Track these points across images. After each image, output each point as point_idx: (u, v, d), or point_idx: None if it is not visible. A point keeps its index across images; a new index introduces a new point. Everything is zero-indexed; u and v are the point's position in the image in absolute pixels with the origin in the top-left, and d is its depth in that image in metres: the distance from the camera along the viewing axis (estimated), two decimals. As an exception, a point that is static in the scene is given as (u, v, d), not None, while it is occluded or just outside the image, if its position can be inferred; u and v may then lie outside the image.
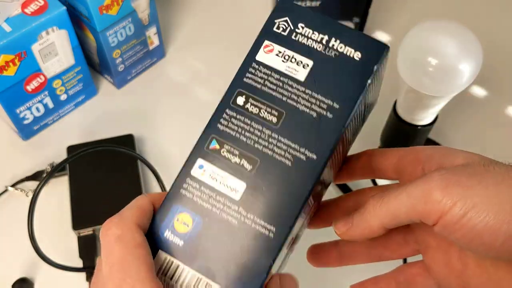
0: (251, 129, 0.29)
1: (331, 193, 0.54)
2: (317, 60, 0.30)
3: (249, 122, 0.29)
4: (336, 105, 0.29)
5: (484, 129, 0.58)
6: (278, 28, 0.31)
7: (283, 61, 0.30)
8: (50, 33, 0.49)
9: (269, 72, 0.30)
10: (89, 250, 0.48)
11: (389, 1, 0.69)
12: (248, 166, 0.29)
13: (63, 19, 0.49)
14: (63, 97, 0.56)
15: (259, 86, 0.30)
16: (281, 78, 0.30)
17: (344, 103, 0.29)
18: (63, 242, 0.50)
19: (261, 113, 0.29)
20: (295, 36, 0.30)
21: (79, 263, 0.48)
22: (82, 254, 0.48)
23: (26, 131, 0.56)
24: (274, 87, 0.30)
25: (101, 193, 0.49)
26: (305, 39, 0.30)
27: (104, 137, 0.53)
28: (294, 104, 0.29)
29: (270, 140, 0.29)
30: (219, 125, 0.30)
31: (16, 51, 0.47)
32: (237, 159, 0.29)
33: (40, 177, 0.53)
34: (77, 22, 0.54)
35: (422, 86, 0.41)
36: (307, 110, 0.29)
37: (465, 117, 0.59)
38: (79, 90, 0.57)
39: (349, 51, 0.29)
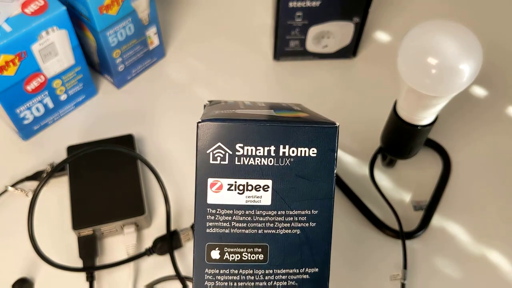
0: (242, 277, 0.27)
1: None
2: (274, 175, 0.26)
3: (236, 271, 0.27)
4: (314, 211, 0.27)
5: (484, 129, 0.58)
6: (215, 159, 0.26)
7: (239, 193, 0.27)
8: (50, 33, 0.49)
9: (231, 211, 0.27)
10: (89, 250, 0.48)
11: (389, 1, 0.69)
12: None
13: (63, 19, 0.49)
14: (63, 97, 0.56)
15: (227, 230, 0.27)
16: (247, 212, 0.27)
17: (321, 205, 0.27)
18: (63, 242, 0.50)
19: (243, 257, 0.27)
20: (239, 160, 0.26)
21: (79, 263, 0.48)
22: (82, 254, 0.48)
23: (26, 131, 0.56)
24: (244, 225, 0.27)
25: (101, 193, 0.49)
26: (251, 159, 0.26)
27: (104, 137, 0.53)
28: (273, 231, 0.27)
29: (267, 277, 0.27)
30: None
31: (16, 51, 0.47)
32: None
33: (40, 177, 0.53)
34: (77, 22, 0.54)
35: (422, 86, 0.41)
36: (289, 231, 0.27)
37: (465, 117, 0.59)
38: (79, 90, 0.58)
39: (302, 151, 0.27)
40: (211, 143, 0.26)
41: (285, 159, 0.26)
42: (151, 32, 0.59)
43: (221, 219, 0.27)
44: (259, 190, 0.26)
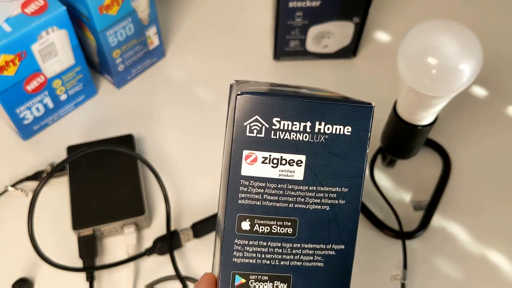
0: (270, 250, 0.27)
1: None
2: (308, 151, 0.27)
3: (264, 243, 0.27)
4: (345, 189, 0.27)
5: (484, 129, 0.58)
6: (251, 131, 0.27)
7: (273, 166, 0.27)
8: (50, 33, 0.49)
9: (263, 184, 0.27)
10: (89, 250, 0.48)
11: (389, 1, 0.69)
12: (283, 286, 0.27)
13: (63, 19, 0.49)
14: (63, 97, 0.56)
15: (258, 202, 0.27)
16: (279, 185, 0.27)
17: (352, 183, 0.27)
18: (63, 242, 0.50)
19: (273, 229, 0.27)
20: (275, 134, 0.27)
21: (79, 263, 0.48)
22: (82, 254, 0.48)
23: (26, 131, 0.56)
24: (276, 198, 0.27)
25: (101, 193, 0.49)
26: (287, 133, 0.27)
27: (104, 137, 0.53)
28: (303, 206, 0.27)
29: (294, 251, 0.27)
30: (234, 259, 0.27)
31: (16, 51, 0.47)
32: (269, 284, 0.27)
33: (40, 177, 0.53)
34: (77, 22, 0.54)
35: (422, 86, 0.41)
36: (319, 207, 0.27)
37: (465, 117, 0.59)
38: (79, 90, 0.58)
39: (337, 129, 0.27)
40: (249, 115, 0.26)
41: (320, 136, 0.27)
42: (151, 32, 0.59)
43: (254, 191, 0.27)
44: (293, 165, 0.27)
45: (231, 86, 0.30)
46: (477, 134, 0.58)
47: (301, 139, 0.27)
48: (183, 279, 0.48)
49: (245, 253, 0.27)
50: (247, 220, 0.27)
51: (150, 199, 0.53)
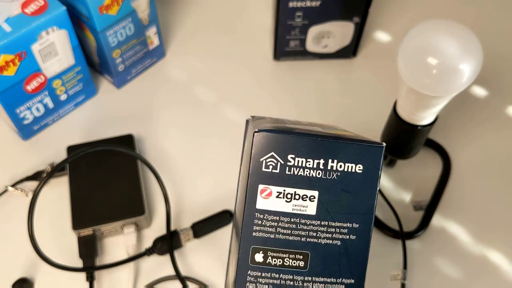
0: (282, 282, 0.28)
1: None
2: (321, 187, 0.28)
3: (277, 275, 0.28)
4: (355, 225, 0.28)
5: (484, 129, 0.58)
6: (267, 167, 0.28)
7: (286, 201, 0.28)
8: (50, 33, 0.49)
9: (277, 218, 0.28)
10: (89, 250, 0.48)
11: (389, 1, 0.69)
12: None
13: (63, 19, 0.49)
14: (63, 97, 0.56)
15: (272, 236, 0.28)
16: (292, 219, 0.28)
17: (363, 219, 0.28)
18: (63, 242, 0.50)
19: (285, 262, 0.28)
20: (289, 170, 0.28)
21: (79, 263, 0.48)
22: (82, 254, 0.48)
23: (26, 131, 0.56)
24: (289, 231, 0.28)
25: (101, 193, 0.49)
26: (301, 170, 0.28)
27: (104, 137, 0.53)
28: (315, 240, 0.28)
29: (305, 284, 0.28)
30: None
31: (16, 51, 0.47)
32: None
33: (40, 177, 0.53)
34: (77, 22, 0.54)
35: (422, 86, 0.41)
36: (330, 241, 0.28)
37: (465, 117, 0.59)
38: (79, 90, 0.58)
39: (349, 167, 0.28)
40: (265, 151, 0.28)
41: (332, 173, 0.28)
42: (151, 32, 0.59)
43: (268, 224, 0.28)
44: (306, 200, 0.28)
45: (247, 121, 0.31)
46: (477, 134, 0.58)
47: (314, 175, 0.28)
48: (183, 279, 0.48)
49: (258, 284, 0.28)
50: (261, 252, 0.28)
51: (150, 199, 0.53)
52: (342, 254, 0.28)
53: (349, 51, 0.62)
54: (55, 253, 0.48)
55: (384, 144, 0.28)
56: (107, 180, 0.50)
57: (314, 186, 0.28)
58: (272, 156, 0.28)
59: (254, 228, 0.28)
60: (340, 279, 0.28)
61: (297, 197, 0.28)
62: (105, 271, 0.49)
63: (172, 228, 0.51)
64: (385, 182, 0.55)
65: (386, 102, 0.52)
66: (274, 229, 0.28)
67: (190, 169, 0.55)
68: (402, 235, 0.49)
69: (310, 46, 0.61)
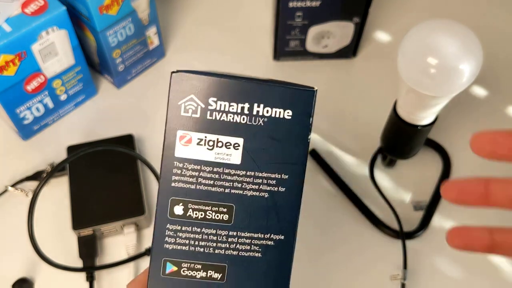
0: (204, 237, 0.26)
1: (332, 194, 0.54)
2: (246, 134, 0.26)
3: (198, 230, 0.26)
4: (285, 176, 0.26)
5: (484, 129, 0.58)
6: (186, 111, 0.25)
7: (208, 149, 0.26)
8: (50, 33, 0.49)
9: (198, 167, 0.26)
10: (89, 250, 0.48)
11: (389, 1, 0.69)
12: (217, 276, 0.26)
13: (63, 19, 0.49)
14: (63, 97, 0.56)
15: (193, 186, 0.26)
16: (215, 169, 0.26)
17: (292, 170, 0.26)
18: (63, 242, 0.50)
19: (207, 215, 0.26)
20: (211, 115, 0.25)
21: (79, 263, 0.48)
22: (82, 254, 0.48)
23: (26, 131, 0.56)
24: (211, 182, 0.26)
25: (101, 193, 0.49)
26: (224, 115, 0.25)
27: (104, 137, 0.53)
28: (240, 192, 0.26)
29: (230, 239, 0.26)
30: (166, 245, 0.26)
31: (16, 51, 0.47)
32: (202, 273, 0.26)
33: (40, 177, 0.53)
34: (77, 22, 0.54)
35: (422, 86, 0.41)
36: (257, 193, 0.26)
37: (465, 117, 0.59)
38: (79, 90, 0.57)
39: (277, 112, 0.26)
40: (184, 94, 0.26)
41: (258, 118, 0.26)
42: (151, 32, 0.59)
43: (188, 174, 0.26)
44: (229, 148, 0.26)
45: (171, 73, 0.28)
46: (477, 134, 0.58)
47: (238, 121, 0.26)
48: (183, 279, 0.48)
49: (177, 239, 0.26)
50: (180, 204, 0.26)
51: (150, 199, 0.53)
52: (270, 207, 0.26)
53: (349, 51, 0.62)
54: (55, 253, 0.48)
55: (316, 88, 0.27)
56: (107, 180, 0.50)
57: (239, 133, 0.26)
58: (191, 99, 0.26)
59: (173, 178, 0.26)
60: (268, 234, 0.26)
61: (220, 144, 0.26)
62: (105, 271, 0.49)
63: (172, 228, 0.51)
64: (385, 182, 0.55)
65: (386, 102, 0.52)
66: (195, 179, 0.26)
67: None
68: (402, 235, 0.49)
69: (310, 46, 0.61)
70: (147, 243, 0.50)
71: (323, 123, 0.58)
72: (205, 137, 0.26)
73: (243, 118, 0.26)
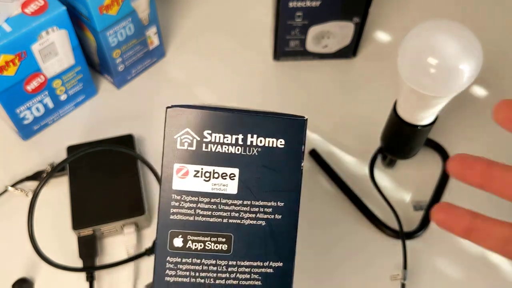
0: (204, 268, 0.26)
1: (332, 194, 0.54)
2: (241, 164, 0.26)
3: (198, 261, 0.26)
4: (280, 203, 0.26)
5: (484, 129, 0.58)
6: (182, 144, 0.26)
7: (205, 180, 0.26)
8: (50, 33, 0.49)
9: (196, 198, 0.26)
10: (89, 250, 0.48)
11: (389, 1, 0.69)
12: None
13: (63, 19, 0.49)
14: (63, 97, 0.56)
15: (191, 218, 0.26)
16: (212, 200, 0.26)
17: (288, 197, 0.26)
18: (63, 242, 0.50)
19: (207, 246, 0.26)
20: (206, 147, 0.26)
21: (79, 263, 0.48)
22: (82, 254, 0.48)
23: (26, 131, 0.56)
24: (209, 213, 0.26)
25: (101, 193, 0.49)
26: (219, 146, 0.26)
27: (104, 137, 0.53)
28: (238, 221, 0.26)
29: (230, 269, 0.26)
30: (167, 278, 0.26)
31: (16, 51, 0.47)
32: None
33: (40, 177, 0.53)
34: (77, 22, 0.54)
35: (422, 87, 0.41)
36: (254, 222, 0.26)
37: (465, 117, 0.59)
38: (79, 90, 0.57)
39: (270, 142, 0.26)
40: (179, 128, 0.26)
41: (252, 149, 0.26)
42: (151, 32, 0.59)
43: (186, 206, 0.26)
44: (226, 178, 0.26)
45: (166, 108, 0.29)
46: (477, 134, 0.58)
47: (233, 152, 0.26)
48: (183, 279, 0.48)
49: (178, 271, 0.26)
50: (180, 236, 0.26)
51: (150, 199, 0.53)
52: (267, 235, 0.26)
53: (349, 51, 0.62)
54: (55, 253, 0.48)
55: (306, 117, 0.27)
56: (107, 180, 0.50)
57: (234, 164, 0.26)
58: (187, 133, 0.26)
59: (171, 211, 0.26)
60: (267, 262, 0.26)
61: (216, 175, 0.26)
62: (105, 271, 0.49)
63: (172, 228, 0.51)
64: (385, 182, 0.55)
65: (386, 102, 0.52)
66: (193, 210, 0.26)
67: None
68: (402, 235, 0.49)
69: (310, 46, 0.61)
70: (147, 243, 0.50)
71: (323, 123, 0.58)
72: (202, 169, 0.26)
73: (238, 149, 0.26)
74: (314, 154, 0.55)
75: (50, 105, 0.56)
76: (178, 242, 0.26)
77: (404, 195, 0.54)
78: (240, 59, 0.64)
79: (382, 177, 0.55)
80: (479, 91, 0.62)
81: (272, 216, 0.26)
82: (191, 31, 0.66)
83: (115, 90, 0.61)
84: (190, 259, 0.26)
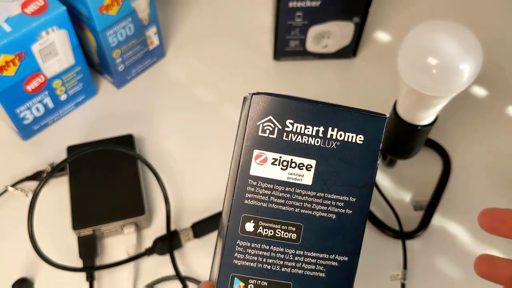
0: (272, 254, 0.27)
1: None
2: (319, 157, 0.27)
3: (267, 247, 0.27)
4: (353, 199, 0.27)
5: (484, 129, 0.58)
6: (263, 131, 0.27)
7: (282, 168, 0.27)
8: (50, 33, 0.49)
9: (271, 186, 0.27)
10: (89, 250, 0.48)
11: (389, 1, 0.69)
12: None
13: (63, 19, 0.49)
14: (63, 97, 0.56)
15: (264, 204, 0.27)
16: (287, 189, 0.27)
17: (360, 193, 0.27)
18: (63, 242, 0.50)
19: (277, 233, 0.27)
20: (287, 136, 0.26)
21: (79, 263, 0.48)
22: (82, 254, 0.48)
23: (26, 131, 0.56)
24: (282, 201, 0.27)
25: (101, 193, 0.49)
26: (299, 136, 0.27)
27: (104, 137, 0.53)
28: (309, 212, 0.27)
29: (296, 258, 0.27)
30: (235, 261, 0.27)
31: (16, 51, 0.47)
32: None
33: (40, 177, 0.53)
34: (77, 22, 0.54)
35: (422, 87, 0.41)
36: (325, 214, 0.27)
37: (465, 117, 0.59)
38: (79, 90, 0.57)
39: (350, 136, 0.27)
40: (263, 115, 0.26)
41: (331, 142, 0.27)
42: (151, 32, 0.59)
43: (261, 192, 0.27)
44: (302, 169, 0.27)
45: (244, 98, 0.29)
46: (477, 134, 0.58)
47: (312, 143, 0.27)
48: (183, 279, 0.48)
49: (246, 255, 0.27)
50: (252, 221, 0.27)
51: (150, 199, 0.53)
52: (337, 229, 0.27)
53: (349, 51, 0.62)
54: (55, 253, 0.48)
55: (387, 115, 0.28)
56: (107, 180, 0.50)
57: (312, 155, 0.27)
58: (269, 120, 0.27)
59: (246, 196, 0.27)
60: (334, 255, 0.27)
61: (293, 165, 0.27)
62: (105, 271, 0.49)
63: (172, 228, 0.51)
64: (385, 182, 0.55)
65: (386, 102, 0.52)
66: (267, 197, 0.27)
67: (190, 169, 0.55)
68: (402, 235, 0.49)
69: (310, 46, 0.61)
70: (147, 243, 0.50)
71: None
72: (280, 157, 0.27)
73: (317, 141, 0.27)
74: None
75: (50, 105, 0.56)
76: (249, 226, 0.27)
77: (404, 195, 0.54)
78: (240, 59, 0.64)
79: (382, 177, 0.55)
80: (479, 91, 0.62)
81: (343, 210, 0.27)
82: (191, 31, 0.66)
83: (115, 90, 0.61)
84: (260, 245, 0.27)
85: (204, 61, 0.64)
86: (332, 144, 0.27)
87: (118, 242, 0.50)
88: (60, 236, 0.50)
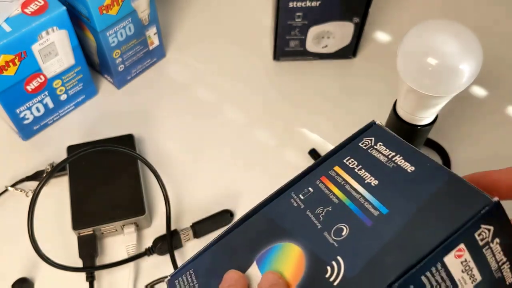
0: None
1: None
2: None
3: None
4: None
5: (483, 128, 0.58)
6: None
7: (462, 270, 0.24)
8: (50, 33, 0.49)
9: (445, 278, 0.24)
10: (89, 250, 0.48)
11: (389, 1, 0.69)
12: None
13: (63, 19, 0.49)
14: (63, 97, 0.56)
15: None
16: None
17: None
18: (63, 242, 0.50)
19: None
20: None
21: (79, 263, 0.48)
22: (82, 254, 0.48)
23: (26, 131, 0.56)
24: None
25: (101, 193, 0.49)
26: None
27: (104, 137, 0.53)
28: None
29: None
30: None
31: (16, 51, 0.47)
32: None
33: (40, 177, 0.53)
34: (77, 22, 0.54)
35: (422, 86, 0.41)
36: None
37: (464, 117, 0.59)
38: (79, 90, 0.58)
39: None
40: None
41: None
42: (151, 32, 0.59)
43: (435, 278, 0.24)
44: None
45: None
46: (477, 134, 0.58)
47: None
48: (183, 279, 0.48)
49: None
50: None
51: (150, 199, 0.53)
52: None
53: (349, 51, 0.62)
54: (55, 253, 0.48)
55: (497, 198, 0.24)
56: (107, 180, 0.50)
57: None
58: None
59: (425, 273, 0.24)
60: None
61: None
62: (105, 271, 0.49)
63: (172, 228, 0.51)
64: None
65: (386, 102, 0.52)
66: (436, 284, 0.24)
67: (190, 169, 0.55)
68: (402, 235, 0.49)
69: (310, 46, 0.61)
70: (147, 243, 0.50)
71: (323, 123, 0.58)
72: (473, 268, 0.25)
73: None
74: (314, 154, 0.55)
75: (50, 105, 0.56)
76: None
77: (404, 195, 0.54)
78: (240, 59, 0.64)
79: (382, 177, 0.55)
80: (479, 91, 0.62)
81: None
82: (191, 31, 0.66)
83: (115, 90, 0.61)
84: None
85: (204, 61, 0.64)
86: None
87: (118, 242, 0.50)
88: (60, 236, 0.50)
